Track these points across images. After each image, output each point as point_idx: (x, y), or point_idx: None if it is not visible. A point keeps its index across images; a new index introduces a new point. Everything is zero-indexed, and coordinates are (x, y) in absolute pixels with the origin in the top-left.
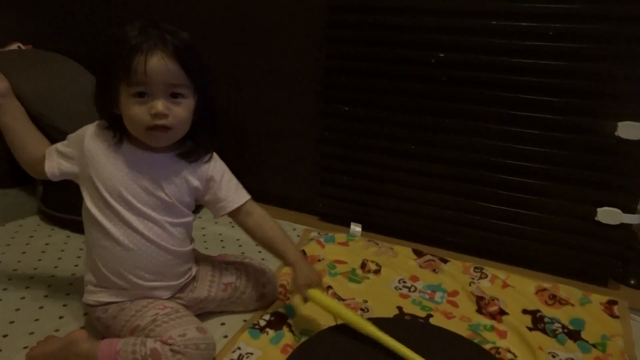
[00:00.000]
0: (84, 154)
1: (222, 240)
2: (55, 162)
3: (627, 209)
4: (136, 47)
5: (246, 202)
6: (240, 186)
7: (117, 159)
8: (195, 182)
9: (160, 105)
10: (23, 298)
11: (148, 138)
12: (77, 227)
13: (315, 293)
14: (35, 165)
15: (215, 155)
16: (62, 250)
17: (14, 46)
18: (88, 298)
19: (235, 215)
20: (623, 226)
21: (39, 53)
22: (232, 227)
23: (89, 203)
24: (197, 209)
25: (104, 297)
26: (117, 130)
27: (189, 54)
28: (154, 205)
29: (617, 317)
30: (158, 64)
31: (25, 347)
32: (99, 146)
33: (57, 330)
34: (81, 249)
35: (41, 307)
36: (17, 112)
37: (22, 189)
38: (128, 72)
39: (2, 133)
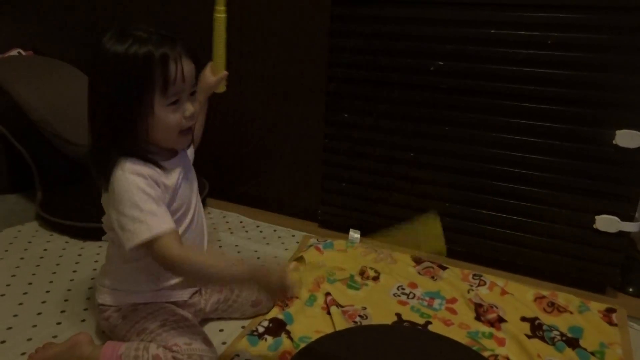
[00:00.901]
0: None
1: (220, 247)
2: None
3: (626, 217)
4: (165, 56)
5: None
6: None
7: (165, 174)
8: (192, 154)
9: (191, 107)
10: (21, 304)
11: (179, 142)
12: (75, 233)
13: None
14: None
15: None
16: (61, 256)
17: (15, 52)
18: (106, 299)
19: None
20: (621, 234)
21: (40, 59)
22: (231, 233)
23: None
24: None
25: (124, 300)
26: (145, 156)
27: (193, 50)
28: (198, 207)
29: (616, 325)
30: (189, 67)
31: (24, 354)
32: (149, 174)
33: (55, 337)
34: (79, 255)
35: (39, 314)
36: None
37: (21, 195)
38: (167, 82)
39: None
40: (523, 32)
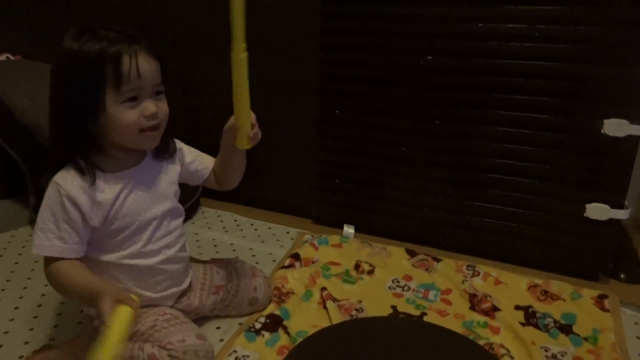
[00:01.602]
0: (86, 209)
1: (215, 246)
2: (77, 244)
3: (616, 205)
4: (119, 52)
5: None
6: (198, 151)
7: (109, 190)
8: (178, 170)
9: (152, 105)
10: (17, 308)
11: (142, 141)
12: None
13: None
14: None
15: (177, 140)
16: None
17: (3, 57)
18: (89, 310)
19: (210, 178)
20: (612, 222)
21: (29, 63)
22: (226, 232)
23: (104, 238)
24: (190, 214)
25: None
26: (86, 160)
27: (156, 48)
28: (164, 214)
29: (608, 310)
30: (148, 64)
31: (21, 357)
32: (92, 189)
33: (52, 340)
34: None
35: (35, 317)
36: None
37: (13, 200)
38: (119, 79)
39: None
40: (510, 25)
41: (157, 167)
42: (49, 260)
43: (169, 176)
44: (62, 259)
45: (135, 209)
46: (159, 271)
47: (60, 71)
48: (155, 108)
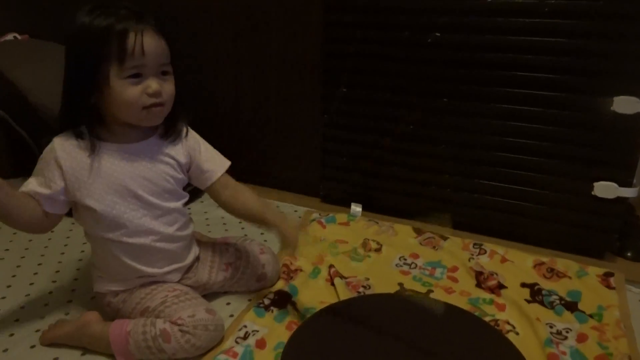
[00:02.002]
0: (71, 177)
1: (224, 224)
2: (49, 200)
3: (624, 183)
4: (125, 29)
5: (225, 173)
6: (219, 154)
7: (108, 161)
8: (182, 159)
9: (155, 84)
10: (32, 284)
11: (145, 117)
12: None
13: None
14: (42, 221)
15: (189, 128)
16: (68, 237)
17: (10, 36)
18: (99, 287)
19: (216, 187)
20: (619, 200)
21: (36, 43)
22: None
23: (92, 215)
24: (198, 193)
25: (115, 287)
26: (90, 131)
27: (165, 30)
28: (159, 194)
29: (614, 288)
30: (153, 43)
31: (38, 331)
32: (84, 156)
33: (67, 314)
34: None
35: (50, 292)
36: (7, 189)
37: (24, 178)
38: (124, 54)
39: None
40: (519, 1)
41: (163, 146)
42: None
43: (172, 159)
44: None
45: (132, 183)
46: (156, 249)
47: (70, 44)
48: (158, 86)
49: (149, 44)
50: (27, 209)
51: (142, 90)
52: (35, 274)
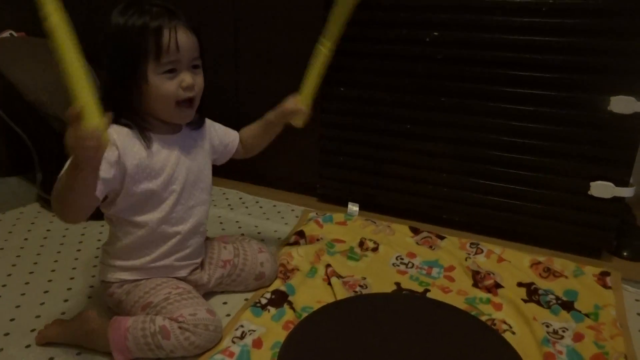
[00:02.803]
0: (124, 154)
1: (221, 223)
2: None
3: (620, 182)
4: (160, 27)
5: (237, 135)
6: (225, 127)
7: (157, 147)
8: (208, 145)
9: (189, 77)
10: (27, 283)
11: (177, 114)
12: None
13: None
14: (93, 206)
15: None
16: (64, 236)
17: (7, 34)
18: (108, 276)
19: (238, 150)
20: (616, 199)
21: (33, 40)
22: (231, 209)
23: (137, 197)
24: None
25: (126, 276)
26: (137, 124)
27: (194, 25)
28: (197, 184)
29: (610, 287)
30: (186, 38)
31: (33, 330)
32: (135, 144)
33: (63, 313)
34: (82, 234)
35: (46, 292)
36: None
37: (21, 177)
38: (160, 51)
39: None
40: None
41: (194, 137)
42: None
43: (204, 148)
44: None
45: (170, 174)
46: (183, 239)
47: (106, 44)
48: (192, 80)
49: (182, 39)
50: (91, 191)
51: (177, 84)
52: (31, 272)
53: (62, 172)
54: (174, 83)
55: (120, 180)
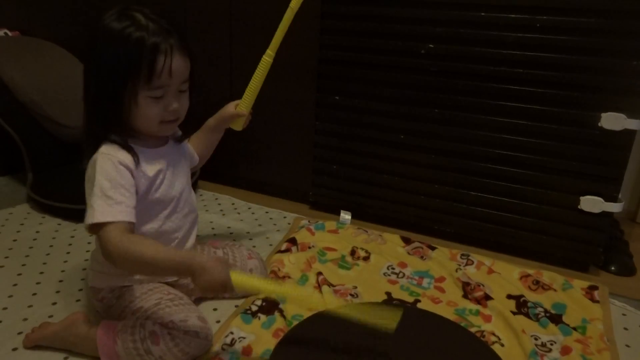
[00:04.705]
0: (131, 178)
1: (213, 228)
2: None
3: (609, 198)
4: (156, 47)
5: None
6: None
7: (146, 162)
8: (187, 156)
9: (175, 103)
10: (15, 285)
11: (160, 130)
12: (67, 215)
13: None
14: None
15: None
16: (54, 238)
17: (1, 32)
18: (98, 282)
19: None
20: (605, 214)
21: (27, 40)
22: (223, 215)
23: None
24: None
25: (115, 282)
26: (123, 138)
27: (187, 43)
28: (187, 190)
29: (598, 301)
30: (179, 63)
31: (20, 333)
32: (130, 161)
33: (50, 317)
34: (72, 237)
35: (34, 294)
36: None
37: (11, 177)
38: (151, 76)
39: None
40: (512, 15)
41: (178, 149)
42: (110, 230)
43: (186, 157)
44: (121, 223)
45: (168, 185)
46: (177, 246)
47: (98, 50)
48: (178, 105)
49: (177, 65)
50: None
51: (162, 107)
52: (19, 274)
53: (158, 253)
54: (160, 106)
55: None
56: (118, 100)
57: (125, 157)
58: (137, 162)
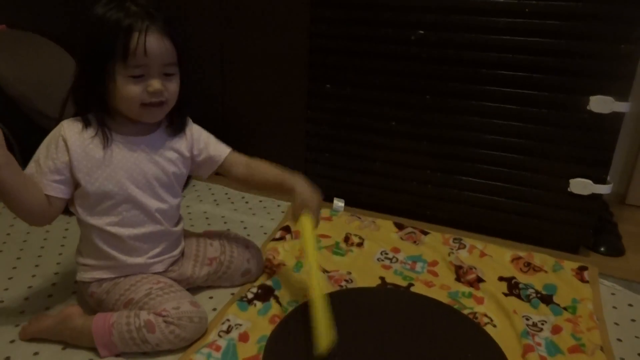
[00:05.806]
0: (76, 157)
1: (207, 218)
2: (54, 182)
3: (598, 180)
4: (130, 27)
5: (230, 152)
6: (218, 140)
7: (118, 148)
8: (187, 152)
9: (157, 83)
10: (11, 278)
11: (143, 114)
12: None
13: (304, 220)
14: (45, 207)
15: (191, 121)
16: (48, 231)
17: None
18: (83, 276)
19: (227, 167)
20: (594, 196)
21: (14, 34)
22: (217, 204)
23: (91, 198)
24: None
25: (100, 274)
26: (100, 121)
27: (174, 29)
28: (162, 186)
29: (587, 282)
30: (157, 44)
31: (17, 325)
32: (90, 143)
33: (47, 309)
34: (66, 229)
35: (30, 287)
36: (15, 166)
37: None
38: (126, 55)
39: None
40: (502, 1)
41: (168, 140)
42: None
43: (176, 153)
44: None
45: (138, 174)
46: (143, 241)
47: (82, 33)
48: (160, 86)
49: (152, 45)
50: (33, 191)
51: (143, 88)
52: (14, 268)
53: None
54: (140, 87)
55: (74, 181)
56: (98, 81)
57: (75, 135)
58: (90, 141)
